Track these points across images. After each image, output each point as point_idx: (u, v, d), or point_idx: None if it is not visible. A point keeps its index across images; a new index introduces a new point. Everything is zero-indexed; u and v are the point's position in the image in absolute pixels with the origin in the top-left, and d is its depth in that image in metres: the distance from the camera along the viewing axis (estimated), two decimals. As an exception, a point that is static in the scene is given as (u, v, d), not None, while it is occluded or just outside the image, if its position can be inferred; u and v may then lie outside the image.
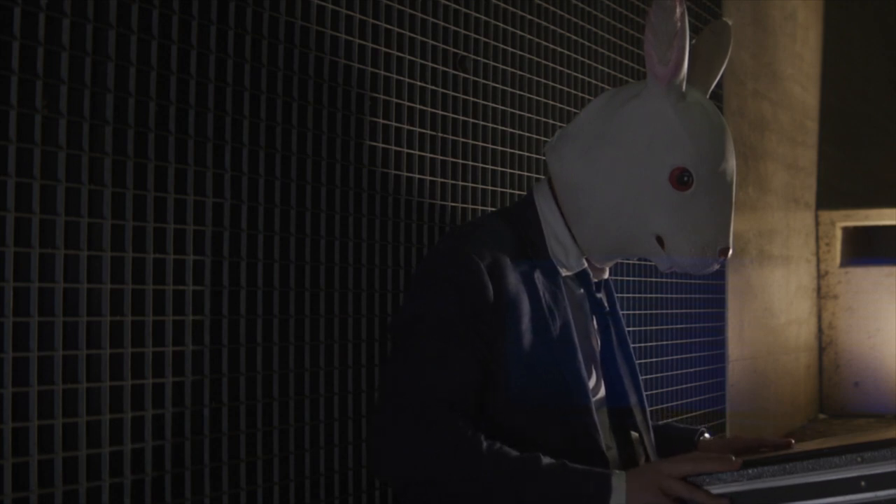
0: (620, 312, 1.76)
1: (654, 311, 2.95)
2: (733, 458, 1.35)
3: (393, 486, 1.53)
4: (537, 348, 1.52)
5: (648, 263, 2.85)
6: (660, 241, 1.56)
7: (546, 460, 1.40)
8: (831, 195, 5.56)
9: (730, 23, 1.72)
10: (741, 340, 4.11)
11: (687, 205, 1.53)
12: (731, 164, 1.58)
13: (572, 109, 2.54)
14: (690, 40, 1.54)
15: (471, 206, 2.14)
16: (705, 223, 1.54)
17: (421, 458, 1.40)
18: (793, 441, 1.57)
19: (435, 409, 1.41)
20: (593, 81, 2.66)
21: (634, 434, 1.67)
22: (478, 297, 1.48)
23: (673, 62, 1.51)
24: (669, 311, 3.06)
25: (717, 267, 1.57)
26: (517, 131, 2.32)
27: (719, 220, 1.55)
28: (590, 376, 1.61)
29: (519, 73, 2.33)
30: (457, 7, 2.12)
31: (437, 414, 1.41)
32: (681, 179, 1.52)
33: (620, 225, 1.56)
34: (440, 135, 2.06)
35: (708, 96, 1.65)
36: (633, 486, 1.37)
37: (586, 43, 2.64)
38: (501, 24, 2.27)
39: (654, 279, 2.96)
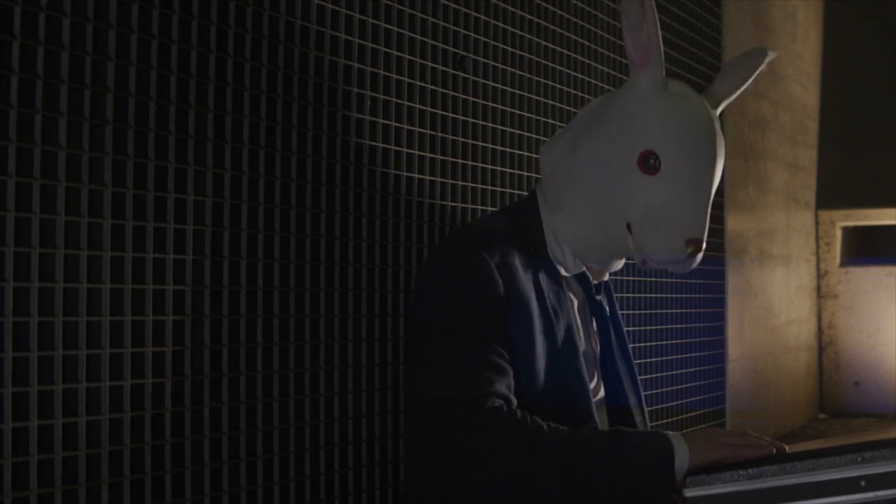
0: (620, 314, 1.76)
1: (654, 311, 2.95)
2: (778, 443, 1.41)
3: (460, 495, 1.44)
4: (542, 349, 1.52)
5: (648, 263, 2.85)
6: (630, 229, 1.55)
7: (602, 431, 1.43)
8: (831, 195, 5.56)
9: (769, 54, 1.70)
10: (741, 340, 4.11)
11: (655, 189, 1.52)
12: (710, 155, 1.56)
13: (572, 109, 2.54)
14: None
15: (471, 206, 2.14)
16: (672, 210, 1.51)
17: (494, 459, 1.38)
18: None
19: (483, 408, 1.41)
20: (593, 81, 2.66)
21: (634, 435, 1.67)
22: (492, 294, 1.48)
23: (644, 45, 1.53)
24: (669, 311, 3.06)
25: (689, 261, 1.52)
26: (517, 131, 2.32)
27: (689, 208, 1.52)
28: (591, 378, 1.61)
29: (519, 73, 2.33)
30: (457, 7, 2.12)
31: (489, 412, 1.41)
32: (647, 162, 1.52)
33: (595, 213, 1.57)
34: (440, 135, 2.06)
35: (719, 110, 1.65)
36: (691, 438, 1.40)
37: (586, 43, 2.64)
38: (501, 24, 2.27)
39: (654, 279, 2.96)
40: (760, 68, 1.69)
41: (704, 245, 1.53)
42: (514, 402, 1.46)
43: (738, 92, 1.69)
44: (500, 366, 1.45)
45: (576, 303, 1.65)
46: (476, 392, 1.41)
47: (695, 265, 1.55)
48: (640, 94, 1.56)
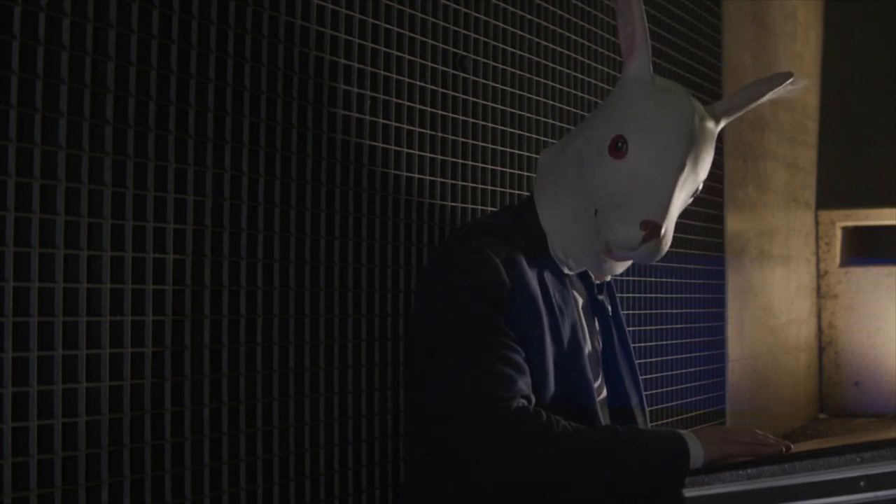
0: (622, 314, 1.76)
1: (654, 311, 2.95)
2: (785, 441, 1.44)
3: (482, 495, 1.42)
4: (548, 348, 1.52)
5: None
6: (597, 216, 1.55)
7: (620, 428, 1.44)
8: (831, 195, 5.56)
9: (791, 79, 1.67)
10: (741, 340, 4.11)
11: (620, 173, 1.52)
12: (681, 145, 1.53)
13: (572, 109, 2.54)
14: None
15: (471, 206, 2.14)
16: (632, 192, 1.50)
17: (510, 456, 1.38)
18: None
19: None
20: (593, 81, 2.66)
21: (635, 435, 1.67)
22: (494, 293, 1.48)
23: (631, 37, 1.56)
24: (669, 311, 3.06)
25: (648, 248, 1.48)
26: (517, 131, 2.32)
27: (648, 192, 1.50)
28: (594, 378, 1.61)
29: (519, 73, 2.33)
30: (457, 7, 2.12)
31: (508, 410, 1.40)
32: (616, 146, 1.53)
33: (570, 203, 1.57)
34: (440, 135, 2.06)
35: (726, 119, 1.64)
36: (701, 435, 1.41)
37: (586, 43, 2.64)
38: (501, 24, 2.27)
39: (653, 279, 2.96)
40: (779, 90, 1.66)
41: (665, 232, 1.49)
42: (533, 399, 1.45)
43: (752, 105, 1.67)
44: (510, 361, 1.45)
45: (580, 301, 1.65)
46: (475, 393, 1.41)
47: (658, 256, 1.51)
48: (625, 85, 1.59)
